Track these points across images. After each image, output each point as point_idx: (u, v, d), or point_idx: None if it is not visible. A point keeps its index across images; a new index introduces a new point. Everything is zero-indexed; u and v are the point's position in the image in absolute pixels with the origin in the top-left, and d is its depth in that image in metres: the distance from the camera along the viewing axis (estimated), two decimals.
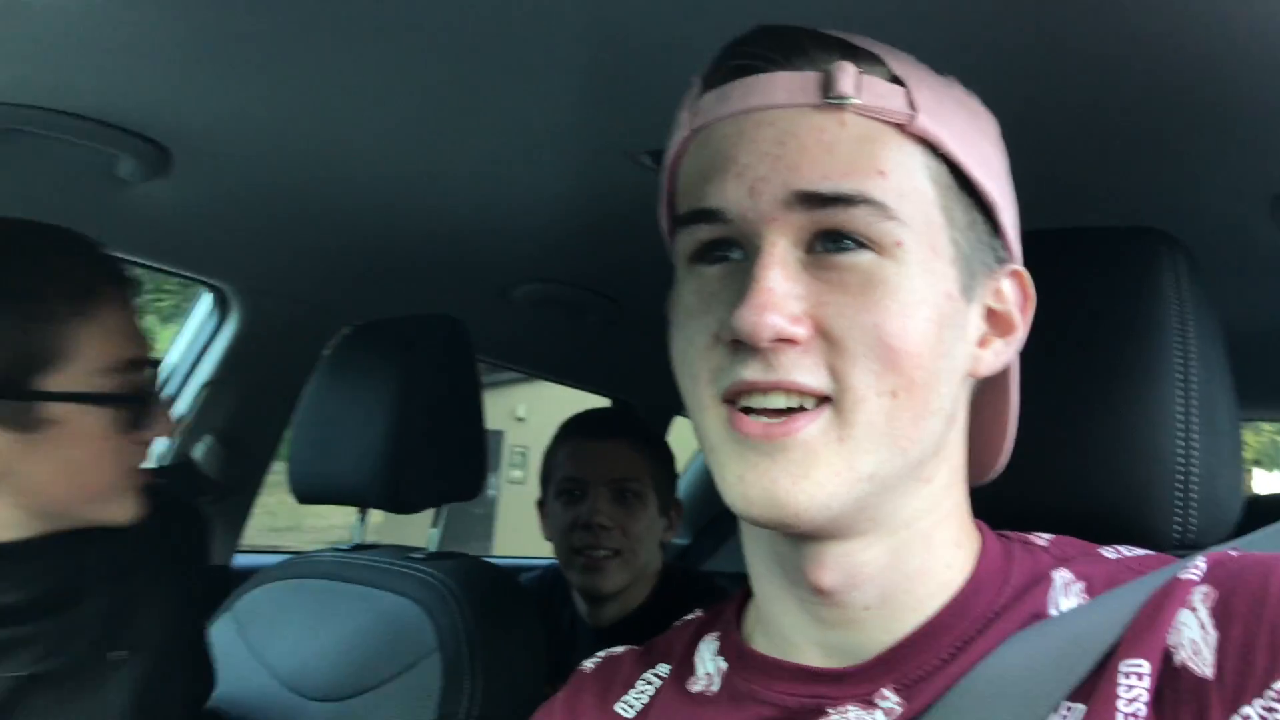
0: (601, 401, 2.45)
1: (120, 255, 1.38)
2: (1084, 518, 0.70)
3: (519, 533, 1.76)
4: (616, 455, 1.64)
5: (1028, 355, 0.66)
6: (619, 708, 0.68)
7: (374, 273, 1.46)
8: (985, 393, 0.65)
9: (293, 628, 1.31)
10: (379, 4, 0.77)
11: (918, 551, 0.59)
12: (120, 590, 1.02)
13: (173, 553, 1.10)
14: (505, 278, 1.53)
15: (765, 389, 0.53)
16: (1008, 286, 0.61)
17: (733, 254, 0.57)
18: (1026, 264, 0.64)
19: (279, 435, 1.79)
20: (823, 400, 0.54)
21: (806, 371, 0.53)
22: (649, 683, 0.69)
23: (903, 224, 0.54)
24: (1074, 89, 0.82)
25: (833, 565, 0.58)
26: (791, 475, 0.53)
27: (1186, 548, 0.69)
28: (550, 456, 1.71)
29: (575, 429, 1.71)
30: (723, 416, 0.55)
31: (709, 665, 0.66)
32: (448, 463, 1.27)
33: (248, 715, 1.24)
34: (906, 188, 0.54)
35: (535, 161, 1.08)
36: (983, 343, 0.60)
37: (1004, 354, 0.61)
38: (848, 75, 0.54)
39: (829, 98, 0.54)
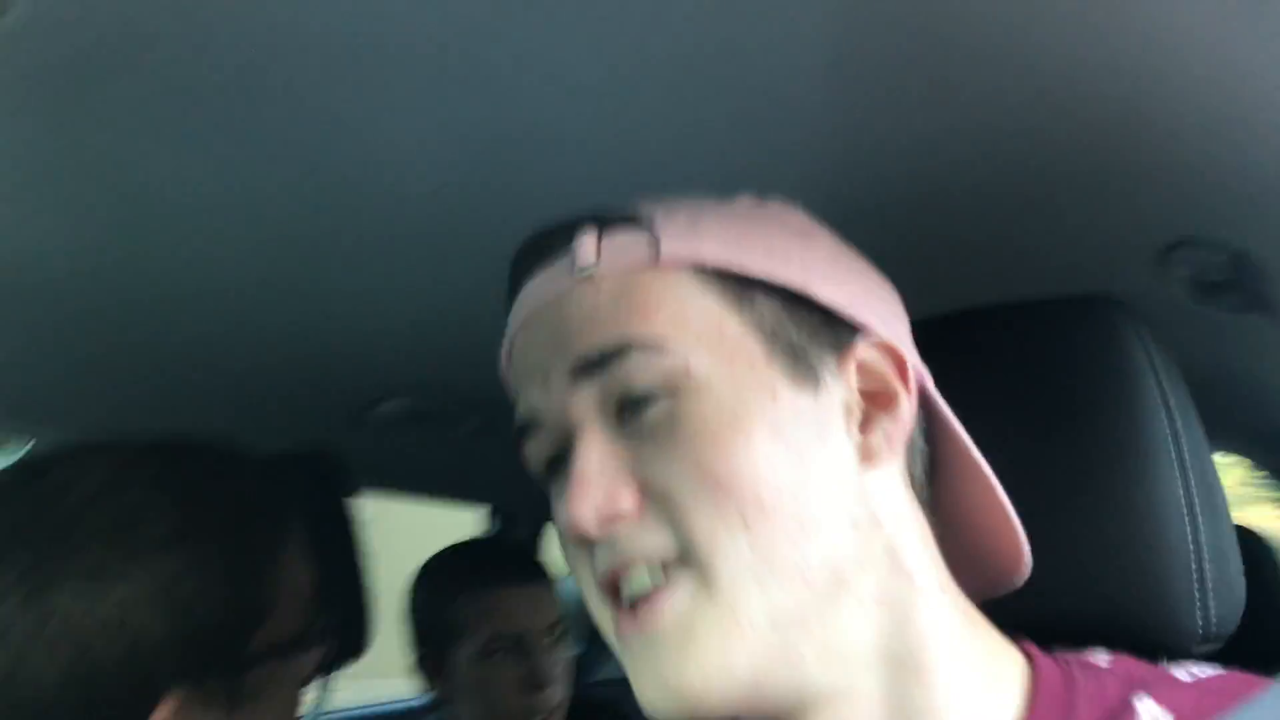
0: (465, 517, 2.28)
1: None
2: (1098, 621, 0.63)
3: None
4: (542, 599, 1.47)
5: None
6: None
7: (207, 407, 1.29)
8: (951, 488, 0.58)
9: None
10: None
11: (918, 693, 0.50)
12: None
13: None
14: (367, 396, 1.38)
15: (623, 571, 0.52)
16: (872, 358, 0.55)
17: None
18: (977, 342, 0.64)
19: None
20: (684, 563, 0.50)
21: (650, 538, 0.51)
22: None
23: (681, 353, 0.53)
24: (973, 158, 0.77)
25: None
26: (675, 660, 0.49)
27: (1209, 640, 0.63)
28: (446, 611, 1.45)
29: (488, 576, 1.47)
30: (610, 619, 0.54)
31: None
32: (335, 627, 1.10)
33: None
34: (680, 315, 0.54)
35: (392, 275, 0.96)
36: (865, 427, 0.54)
37: (896, 431, 0.55)
38: (586, 245, 0.57)
39: (575, 273, 0.56)
